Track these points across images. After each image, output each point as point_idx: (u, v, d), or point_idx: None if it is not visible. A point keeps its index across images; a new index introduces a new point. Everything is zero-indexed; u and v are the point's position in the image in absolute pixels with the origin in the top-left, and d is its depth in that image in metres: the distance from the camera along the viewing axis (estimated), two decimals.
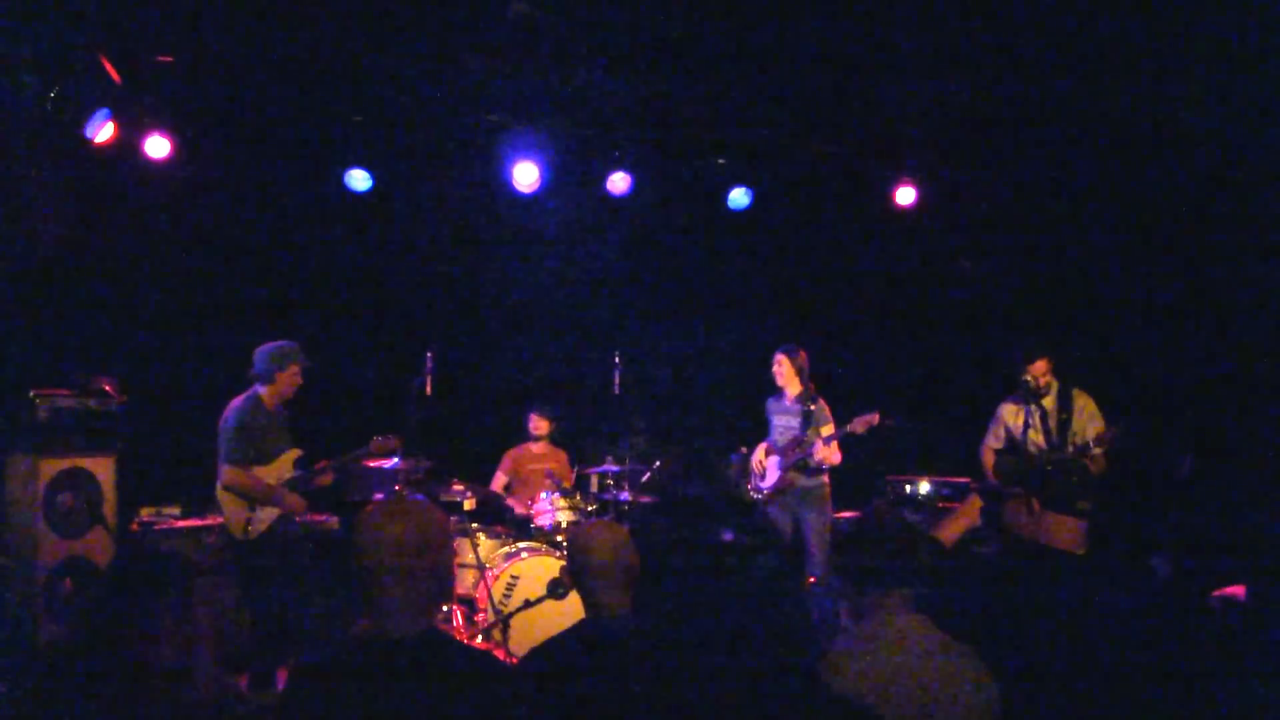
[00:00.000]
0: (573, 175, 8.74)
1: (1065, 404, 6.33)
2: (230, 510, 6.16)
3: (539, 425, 8.44)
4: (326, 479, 6.56)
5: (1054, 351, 6.45)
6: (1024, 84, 7.60)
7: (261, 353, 6.30)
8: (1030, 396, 6.38)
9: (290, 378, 6.31)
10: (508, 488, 8.46)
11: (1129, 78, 7.23)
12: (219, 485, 6.18)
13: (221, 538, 6.31)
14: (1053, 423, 6.32)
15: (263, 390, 6.27)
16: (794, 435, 7.33)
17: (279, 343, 6.35)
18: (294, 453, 6.42)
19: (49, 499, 6.59)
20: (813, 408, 7.12)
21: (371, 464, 7.11)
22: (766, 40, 7.20)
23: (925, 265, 9.72)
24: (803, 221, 9.61)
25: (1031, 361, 6.40)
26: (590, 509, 7.56)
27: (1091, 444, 6.05)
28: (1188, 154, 7.64)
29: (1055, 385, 6.42)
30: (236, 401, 6.25)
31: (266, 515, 6.19)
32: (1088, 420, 6.25)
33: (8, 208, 7.26)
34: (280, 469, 6.33)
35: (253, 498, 6.15)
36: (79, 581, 6.51)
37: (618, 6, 6.94)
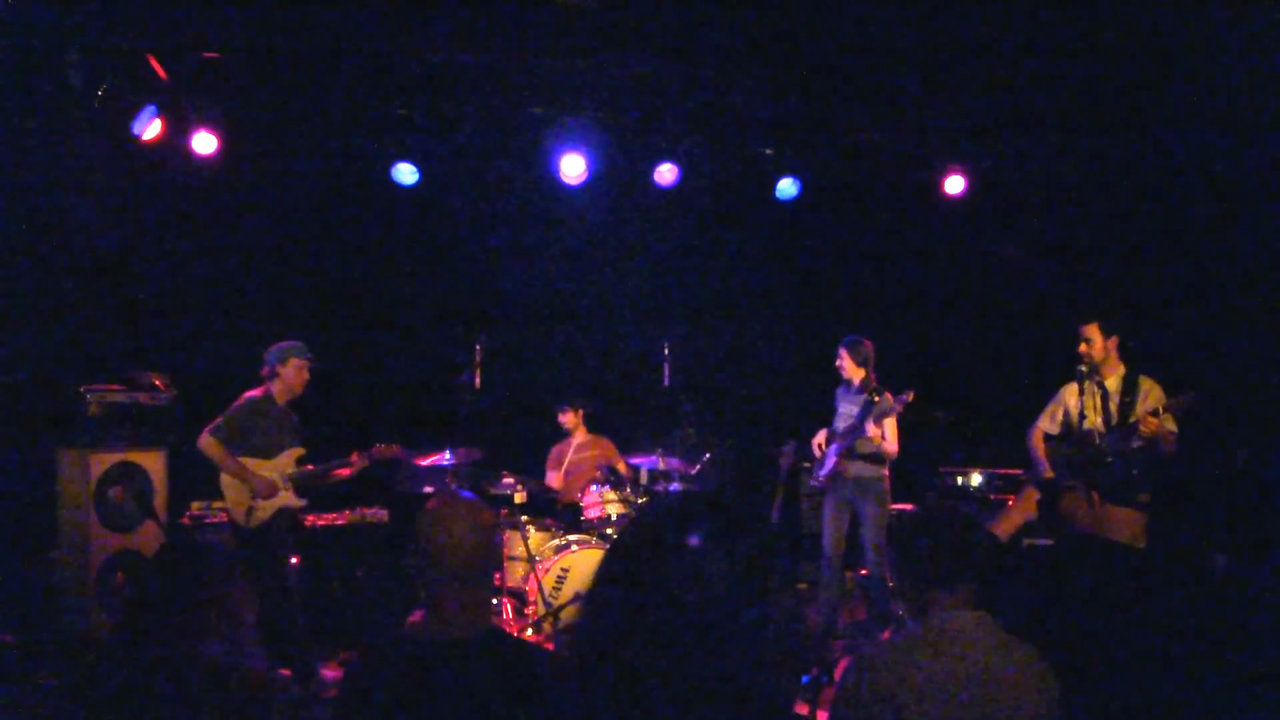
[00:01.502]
0: (620, 167, 8.69)
1: (1130, 388, 6.11)
2: (232, 497, 6.28)
3: (567, 419, 8.38)
4: (343, 472, 6.65)
5: (1108, 317, 6.24)
6: (1072, 70, 7.46)
7: (268, 352, 6.45)
8: (1087, 370, 6.18)
9: (293, 373, 6.43)
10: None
11: (1183, 59, 7.08)
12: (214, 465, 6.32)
13: (228, 526, 6.39)
14: (1114, 405, 6.11)
15: (274, 387, 6.43)
16: (852, 423, 7.25)
17: (284, 341, 6.50)
18: (297, 451, 6.50)
19: (100, 493, 6.69)
20: (876, 399, 7.01)
21: (422, 460, 7.12)
22: (813, 29, 7.13)
23: (975, 254, 9.58)
24: (851, 211, 9.52)
25: (1085, 323, 6.20)
26: (640, 501, 7.51)
27: (1161, 409, 5.82)
28: (1246, 138, 7.44)
29: (1122, 369, 6.21)
30: (251, 392, 6.42)
31: (269, 506, 6.29)
32: (1153, 405, 6.03)
33: (57, 205, 7.34)
34: (280, 465, 6.41)
35: (222, 467, 6.25)
36: (130, 574, 6.57)
37: None
